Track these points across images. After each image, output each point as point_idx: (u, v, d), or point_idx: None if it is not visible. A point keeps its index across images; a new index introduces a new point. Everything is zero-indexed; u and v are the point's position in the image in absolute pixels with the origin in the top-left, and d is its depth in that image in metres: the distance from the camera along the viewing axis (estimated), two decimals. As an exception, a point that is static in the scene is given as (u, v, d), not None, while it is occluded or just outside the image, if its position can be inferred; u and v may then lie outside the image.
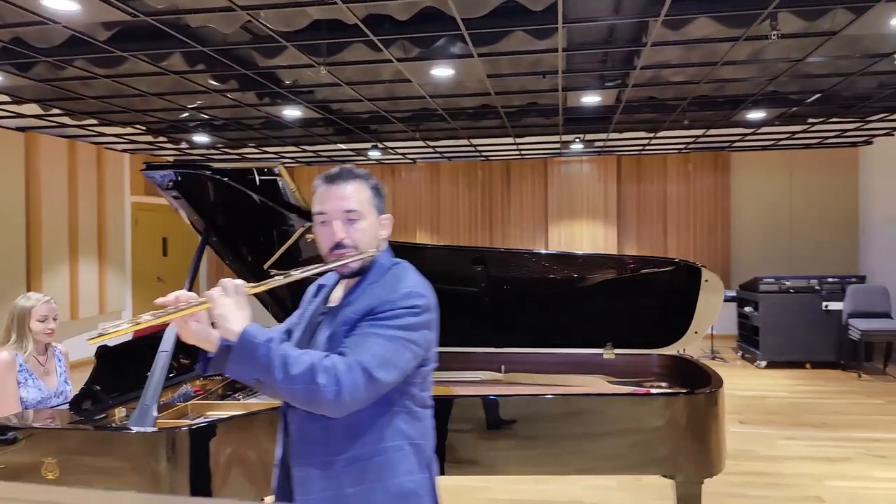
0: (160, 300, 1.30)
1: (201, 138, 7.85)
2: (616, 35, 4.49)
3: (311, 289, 1.56)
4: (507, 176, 10.00)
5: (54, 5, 3.35)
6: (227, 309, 1.27)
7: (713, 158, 9.46)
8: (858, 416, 5.41)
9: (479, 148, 8.98)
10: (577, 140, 8.29)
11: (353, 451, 1.31)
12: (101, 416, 2.17)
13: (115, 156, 8.53)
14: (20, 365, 2.62)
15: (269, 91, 5.61)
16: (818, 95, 5.83)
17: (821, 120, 7.08)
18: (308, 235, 2.40)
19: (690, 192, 9.54)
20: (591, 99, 5.96)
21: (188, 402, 2.44)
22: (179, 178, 2.24)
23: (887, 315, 7.29)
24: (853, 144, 8.90)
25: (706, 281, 2.70)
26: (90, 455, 1.93)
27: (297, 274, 1.34)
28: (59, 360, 2.80)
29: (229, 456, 1.98)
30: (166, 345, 2.14)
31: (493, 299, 2.82)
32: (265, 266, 2.53)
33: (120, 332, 1.28)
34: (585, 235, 9.70)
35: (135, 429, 1.97)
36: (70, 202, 7.61)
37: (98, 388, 2.18)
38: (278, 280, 1.34)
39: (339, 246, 1.40)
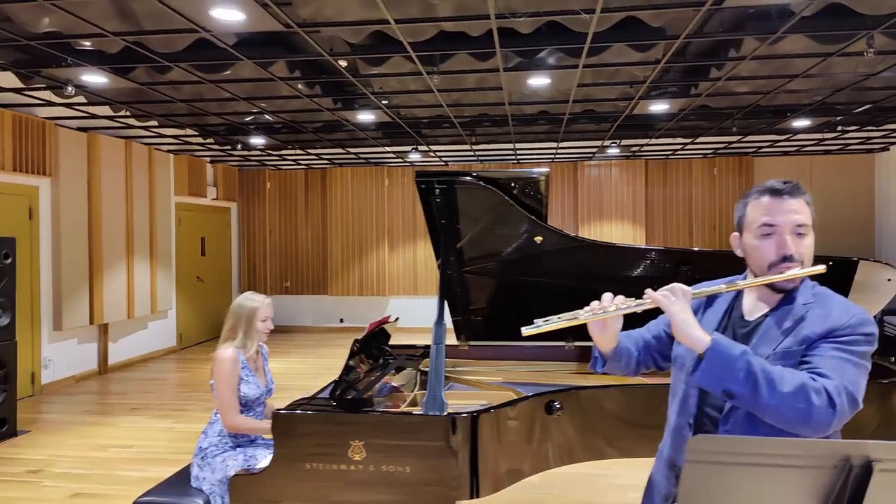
0: (604, 296, 1.48)
1: (256, 140, 7.98)
2: (697, 46, 4.81)
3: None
4: (538, 178, 10.31)
5: (222, 16, 3.53)
6: (685, 314, 1.35)
7: (738, 163, 9.89)
8: None
9: (518, 151, 9.27)
10: (614, 145, 8.62)
11: None
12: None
13: (163, 156, 8.60)
14: (242, 362, 2.80)
15: (349, 96, 5.83)
16: (868, 106, 6.24)
17: (855, 128, 7.52)
18: (537, 238, 2.65)
19: (716, 196, 9.95)
20: (659, 108, 6.27)
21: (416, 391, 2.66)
22: (445, 187, 2.44)
23: (913, 312, 7.77)
24: (870, 151, 9.40)
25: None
26: (393, 438, 2.11)
27: (743, 285, 1.43)
28: (265, 359, 2.98)
29: (495, 437, 2.20)
30: (438, 339, 2.35)
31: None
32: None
33: (557, 326, 1.47)
34: (615, 236, 10.05)
35: (429, 413, 2.18)
36: (126, 202, 7.67)
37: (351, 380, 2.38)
38: (717, 288, 1.46)
39: (785, 259, 1.39)
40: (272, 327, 2.88)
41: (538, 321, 1.52)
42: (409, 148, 8.91)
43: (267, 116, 6.78)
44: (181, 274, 9.05)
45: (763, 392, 1.23)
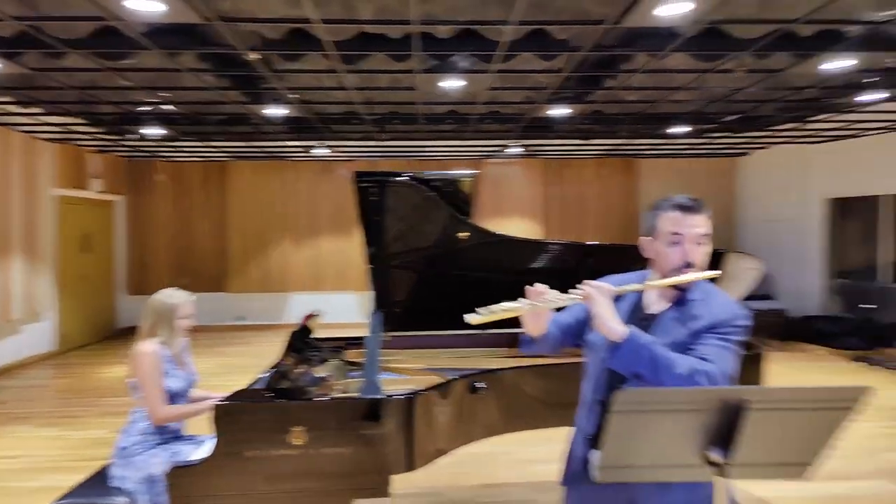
0: (537, 286, 1.69)
1: (151, 130, 7.59)
2: (595, 58, 5.24)
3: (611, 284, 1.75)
4: (441, 175, 10.58)
5: (140, 7, 3.41)
6: (607, 309, 1.61)
7: (624, 164, 10.70)
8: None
9: (425, 149, 9.47)
10: (517, 144, 9.06)
11: None
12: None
13: (44, 146, 7.95)
14: (166, 357, 2.78)
15: (259, 90, 5.75)
16: (736, 116, 7.03)
17: (725, 135, 8.42)
18: (462, 234, 2.85)
19: (605, 195, 10.71)
20: (559, 112, 6.70)
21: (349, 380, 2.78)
22: (383, 186, 2.57)
23: (769, 297, 8.87)
24: (734, 155, 10.53)
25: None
26: (333, 422, 2.23)
27: (654, 284, 1.70)
28: (186, 350, 2.97)
29: (428, 415, 2.39)
30: (374, 328, 2.49)
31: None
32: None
33: (499, 315, 1.65)
34: (515, 232, 10.51)
35: (367, 397, 2.32)
36: (1, 194, 7.05)
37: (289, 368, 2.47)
38: (635, 287, 1.72)
39: (688, 265, 1.67)
40: (194, 323, 2.89)
41: (481, 310, 1.69)
42: (315, 143, 8.84)
43: (167, 107, 6.50)
44: (64, 273, 8.42)
45: (663, 375, 1.52)
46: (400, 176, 2.81)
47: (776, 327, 8.73)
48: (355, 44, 4.38)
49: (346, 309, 10.59)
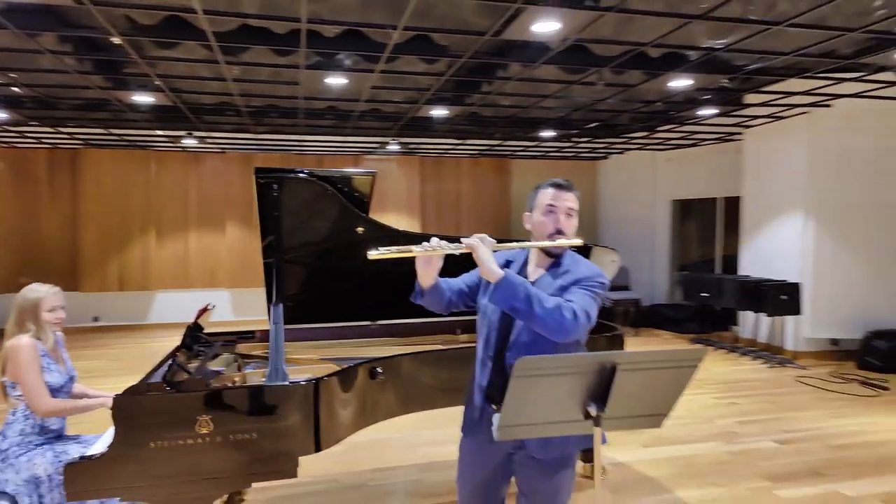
0: (433, 241, 1.92)
1: (-7, 113, 6.85)
2: (474, 65, 5.56)
3: (499, 260, 1.99)
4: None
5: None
6: (488, 255, 1.85)
7: (498, 163, 11.26)
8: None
9: (303, 143, 9.35)
10: (395, 142, 9.24)
11: None
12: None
13: None
14: (42, 351, 2.65)
15: (126, 76, 5.44)
16: (596, 123, 7.72)
17: (587, 139, 9.18)
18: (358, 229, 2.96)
19: (480, 193, 11.21)
20: (438, 112, 6.96)
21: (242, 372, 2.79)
22: (283, 182, 2.60)
23: (626, 288, 9.82)
24: (595, 158, 11.48)
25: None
26: (240, 409, 2.25)
27: (529, 245, 2.00)
28: (62, 346, 2.84)
29: (333, 400, 2.51)
30: (276, 319, 2.53)
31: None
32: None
33: (396, 255, 1.86)
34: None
35: (275, 384, 2.37)
36: None
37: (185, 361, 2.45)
38: (513, 245, 1.99)
39: (559, 231, 1.98)
40: (63, 316, 2.78)
41: (381, 248, 1.90)
42: (183, 133, 8.42)
43: (15, 89, 5.92)
44: None
45: (535, 307, 1.78)
46: (300, 172, 2.87)
47: (631, 315, 9.68)
48: (237, 36, 4.31)
49: (218, 307, 10.18)
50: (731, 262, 9.07)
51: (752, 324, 7.83)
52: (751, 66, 5.21)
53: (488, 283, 1.92)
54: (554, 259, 2.04)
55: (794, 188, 7.17)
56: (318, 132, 8.44)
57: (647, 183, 10.70)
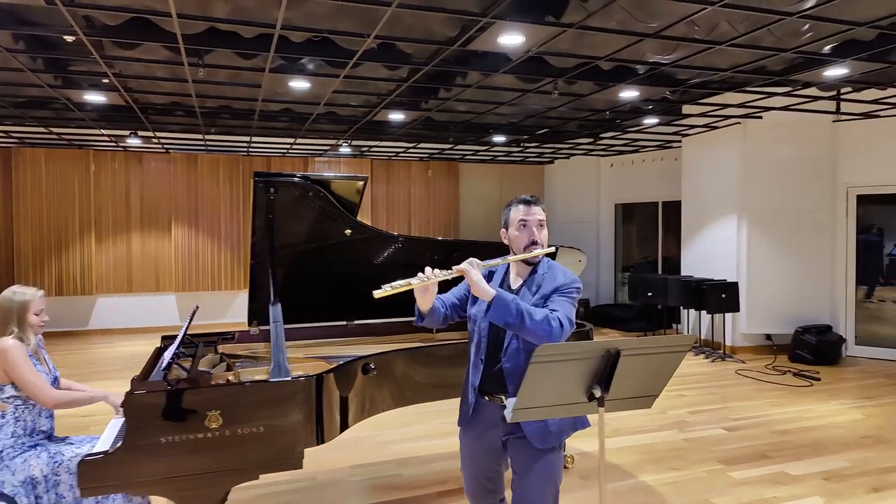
0: (427, 272, 2.08)
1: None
2: (434, 72, 5.71)
3: (483, 272, 2.16)
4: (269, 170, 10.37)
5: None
6: (479, 277, 2.03)
7: (447, 167, 11.45)
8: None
9: (252, 144, 9.24)
10: (347, 144, 9.27)
11: None
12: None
13: None
14: (27, 351, 2.62)
15: (79, 75, 5.30)
16: (546, 130, 8.02)
17: (535, 144, 9.50)
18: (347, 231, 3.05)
19: (430, 195, 11.37)
20: (395, 116, 7.07)
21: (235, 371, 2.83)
22: (280, 186, 2.66)
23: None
24: (542, 163, 11.85)
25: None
26: (248, 404, 2.31)
27: (510, 259, 2.16)
28: (42, 348, 2.80)
29: (333, 393, 2.61)
30: (276, 317, 2.60)
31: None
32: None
33: (398, 290, 2.01)
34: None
35: (277, 380, 2.44)
36: None
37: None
38: (497, 261, 2.14)
39: (534, 243, 2.19)
40: (47, 319, 2.76)
41: (385, 286, 2.04)
42: (127, 132, 8.17)
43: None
44: None
45: (526, 321, 1.98)
46: (294, 176, 2.93)
47: (580, 315, 9.99)
48: (204, 38, 4.31)
49: (165, 312, 9.92)
50: (671, 263, 9.59)
51: (694, 321, 8.32)
52: (692, 80, 5.60)
53: (475, 296, 2.15)
54: (532, 267, 2.26)
55: (729, 193, 7.68)
56: (269, 134, 8.38)
57: (591, 187, 11.14)
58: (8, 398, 2.57)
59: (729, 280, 7.53)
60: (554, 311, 2.05)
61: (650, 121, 7.48)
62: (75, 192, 9.43)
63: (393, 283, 2.04)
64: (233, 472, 2.29)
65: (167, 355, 2.67)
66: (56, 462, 2.53)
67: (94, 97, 6.02)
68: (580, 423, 2.20)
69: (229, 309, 10.28)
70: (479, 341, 2.22)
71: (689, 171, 8.39)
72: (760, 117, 7.26)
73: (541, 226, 2.24)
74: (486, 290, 2.03)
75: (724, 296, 7.30)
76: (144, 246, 9.85)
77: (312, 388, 2.43)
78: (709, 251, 8.05)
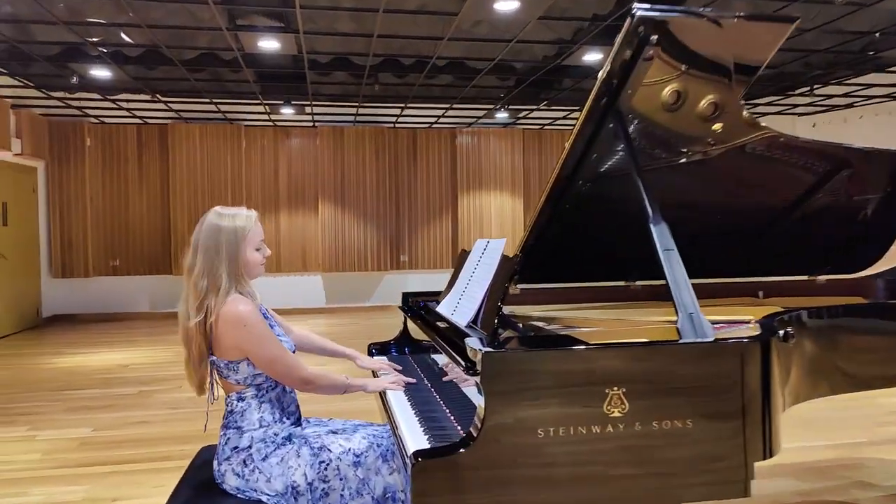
0: None
1: (100, 72, 6.31)
2: None
3: None
4: (413, 145, 9.76)
5: None
6: None
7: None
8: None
9: (402, 117, 8.64)
10: (504, 108, 8.41)
11: None
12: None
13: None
14: (262, 310, 1.86)
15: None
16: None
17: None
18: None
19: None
20: (593, 57, 6.08)
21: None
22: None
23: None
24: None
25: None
26: (660, 379, 1.41)
27: None
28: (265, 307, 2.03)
29: (783, 372, 1.65)
30: (668, 244, 1.62)
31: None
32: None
33: None
34: (494, 207, 9.90)
35: (698, 340, 1.49)
36: None
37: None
38: None
39: None
40: (269, 253, 1.92)
41: None
42: (280, 101, 7.78)
43: (123, 35, 5.33)
44: (-23, 248, 6.92)
45: None
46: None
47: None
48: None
49: (312, 293, 9.58)
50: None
51: None
52: None
53: None
54: None
55: None
56: (425, 100, 7.68)
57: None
58: (245, 378, 1.79)
59: None
60: None
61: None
62: (228, 168, 9.25)
63: None
64: (643, 490, 1.35)
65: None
66: (323, 462, 1.75)
67: (268, 43, 5.50)
68: None
69: (376, 290, 9.78)
70: None
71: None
72: None
73: None
74: None
75: None
76: (292, 224, 9.54)
77: (758, 360, 1.46)
78: None
